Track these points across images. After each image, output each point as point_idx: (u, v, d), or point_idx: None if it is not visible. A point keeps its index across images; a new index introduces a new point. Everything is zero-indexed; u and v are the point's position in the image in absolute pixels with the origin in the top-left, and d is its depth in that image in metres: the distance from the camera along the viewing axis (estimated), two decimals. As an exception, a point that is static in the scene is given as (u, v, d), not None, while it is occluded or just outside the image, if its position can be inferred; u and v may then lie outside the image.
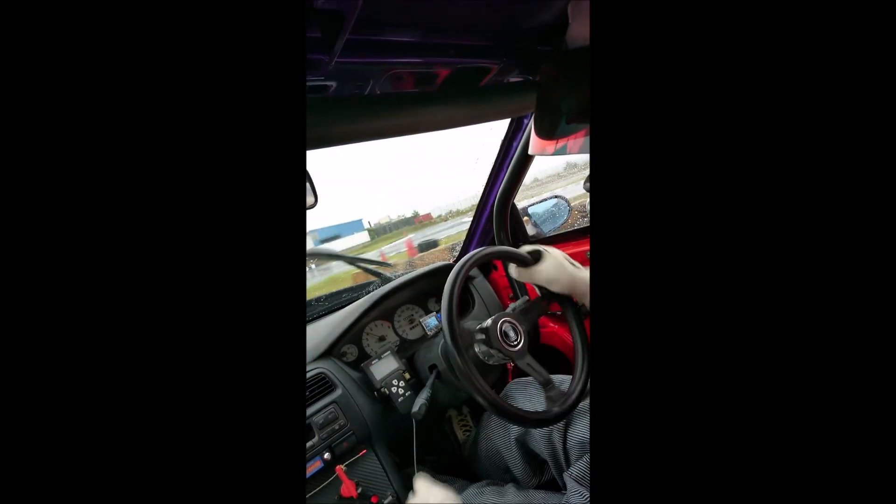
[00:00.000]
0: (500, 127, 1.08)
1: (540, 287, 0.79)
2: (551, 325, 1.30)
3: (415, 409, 0.83)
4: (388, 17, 0.48)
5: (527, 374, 0.76)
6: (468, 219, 1.35)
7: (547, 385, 0.72)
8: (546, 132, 0.52)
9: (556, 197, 1.31)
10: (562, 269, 0.73)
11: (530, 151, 0.54)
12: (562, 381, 0.91)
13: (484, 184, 1.20)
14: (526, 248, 0.76)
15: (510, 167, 1.08)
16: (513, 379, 1.03)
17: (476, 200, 1.27)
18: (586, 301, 0.75)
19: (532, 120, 0.57)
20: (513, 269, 0.76)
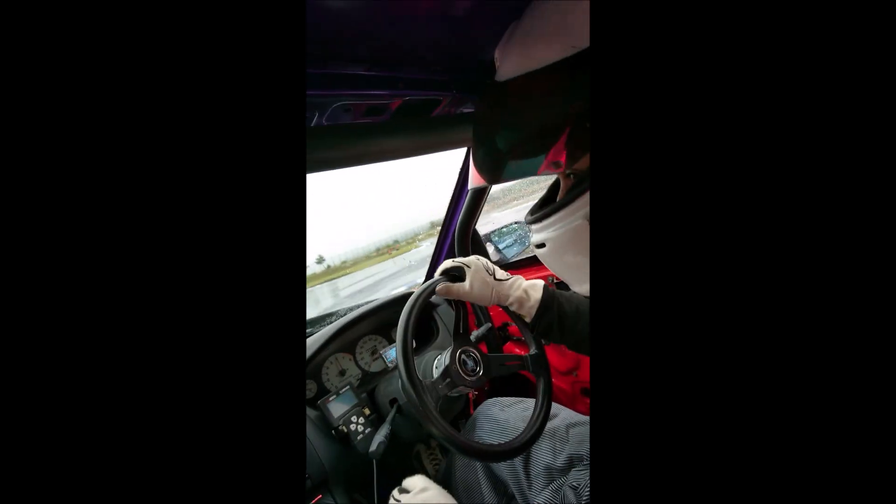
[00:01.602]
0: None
1: (507, 310, 0.77)
2: (517, 351, 1.30)
3: (372, 447, 0.79)
4: (335, 52, 0.48)
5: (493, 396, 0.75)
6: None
7: (523, 361, 0.72)
8: (482, 165, 0.52)
9: (517, 223, 1.33)
10: (485, 284, 0.71)
11: (469, 185, 0.54)
12: (519, 401, 0.90)
13: (445, 211, 1.21)
14: (446, 264, 0.73)
15: (469, 195, 1.09)
16: (474, 406, 1.01)
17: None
18: (515, 308, 0.73)
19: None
20: (440, 288, 0.71)
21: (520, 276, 0.74)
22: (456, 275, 0.72)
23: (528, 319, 0.73)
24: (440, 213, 1.24)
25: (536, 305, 0.71)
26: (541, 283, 0.73)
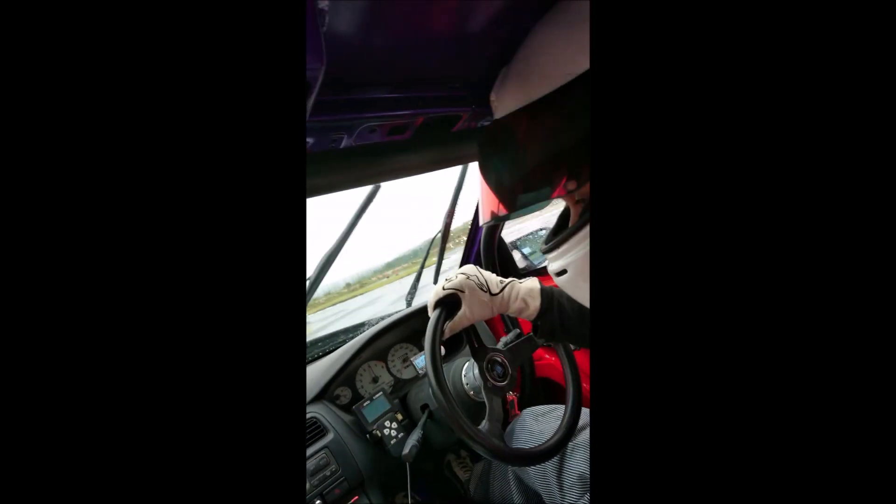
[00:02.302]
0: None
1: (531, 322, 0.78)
2: (546, 357, 1.30)
3: (405, 451, 0.82)
4: (356, 78, 0.52)
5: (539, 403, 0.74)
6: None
7: (492, 415, 0.69)
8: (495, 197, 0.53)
9: (544, 229, 1.34)
10: (482, 304, 0.69)
11: (481, 223, 0.56)
12: (554, 409, 0.90)
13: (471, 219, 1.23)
14: (437, 293, 0.70)
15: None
16: (519, 410, 1.02)
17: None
18: (517, 315, 0.72)
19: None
20: (446, 330, 0.70)
21: (514, 282, 0.72)
22: (452, 301, 0.70)
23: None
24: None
25: (536, 312, 0.70)
26: (537, 286, 0.71)
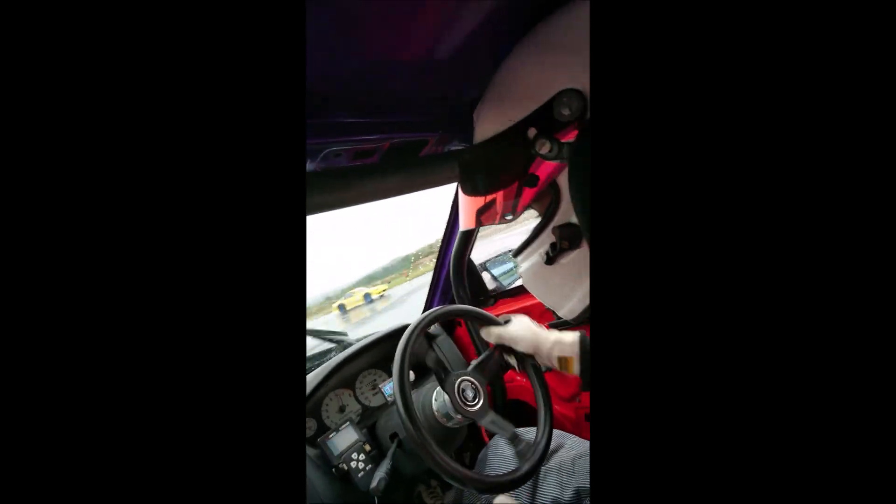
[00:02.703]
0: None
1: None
2: (518, 379, 1.29)
3: (373, 484, 0.78)
4: (321, 102, 0.51)
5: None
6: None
7: (514, 439, 0.71)
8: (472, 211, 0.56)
9: (511, 251, 1.35)
10: (528, 329, 0.74)
11: (461, 228, 0.58)
12: (527, 431, 0.89)
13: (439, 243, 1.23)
14: (500, 316, 0.77)
15: (461, 227, 1.12)
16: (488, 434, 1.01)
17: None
18: (545, 362, 0.73)
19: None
20: (483, 330, 0.77)
21: (554, 330, 0.74)
22: (496, 320, 0.76)
23: (574, 363, 0.69)
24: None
25: (576, 343, 0.68)
26: (571, 332, 0.72)
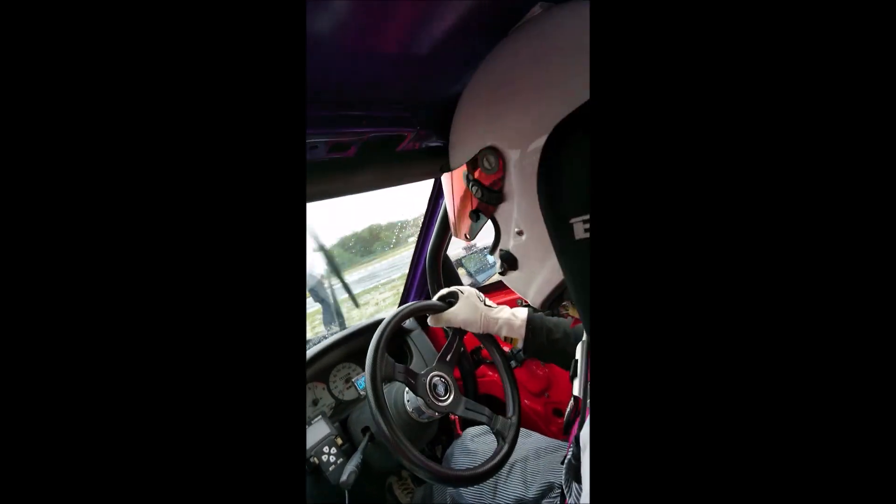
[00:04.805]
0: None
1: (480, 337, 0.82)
2: (490, 374, 1.31)
3: (343, 477, 0.78)
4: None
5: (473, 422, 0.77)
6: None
7: (491, 419, 0.74)
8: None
9: (486, 248, 1.37)
10: (475, 309, 0.77)
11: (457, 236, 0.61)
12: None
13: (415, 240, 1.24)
14: (441, 293, 0.80)
15: (438, 222, 1.12)
16: (461, 430, 1.02)
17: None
18: (505, 332, 0.79)
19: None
20: (430, 318, 0.79)
21: (505, 305, 0.81)
22: (451, 301, 0.79)
23: (519, 342, 0.78)
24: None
25: (524, 326, 0.76)
26: (524, 308, 0.80)
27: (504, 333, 0.78)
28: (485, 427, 0.91)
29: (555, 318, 0.78)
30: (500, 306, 0.80)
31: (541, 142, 0.40)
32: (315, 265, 4.36)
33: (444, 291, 0.80)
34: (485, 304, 0.78)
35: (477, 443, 0.88)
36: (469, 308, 0.76)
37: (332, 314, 4.44)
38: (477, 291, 0.80)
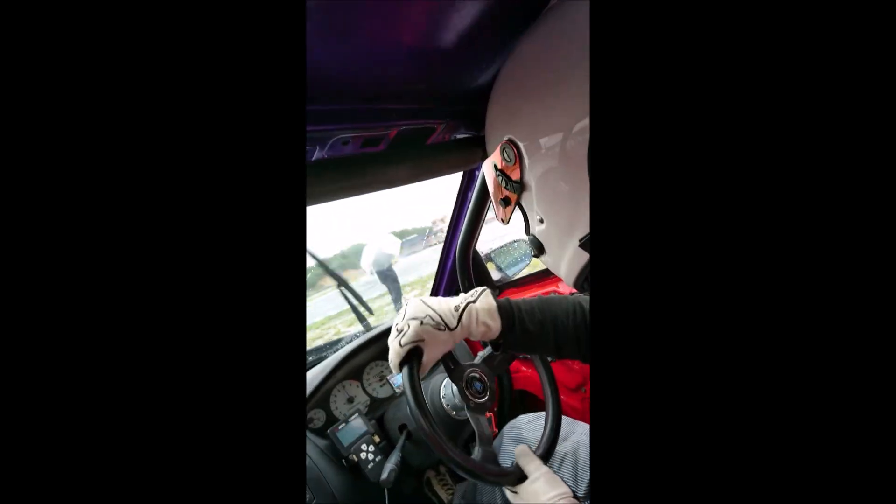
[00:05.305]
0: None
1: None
2: (524, 369, 1.29)
3: (384, 475, 0.78)
4: (327, 90, 0.50)
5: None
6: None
7: (482, 439, 0.65)
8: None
9: (516, 241, 1.35)
10: (444, 344, 0.64)
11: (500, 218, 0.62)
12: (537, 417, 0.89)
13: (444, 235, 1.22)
14: (399, 353, 0.61)
15: (467, 217, 1.11)
16: (497, 427, 0.99)
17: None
18: (482, 338, 0.66)
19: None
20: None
21: (470, 306, 0.65)
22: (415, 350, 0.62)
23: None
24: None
25: (499, 331, 0.65)
26: (494, 304, 0.65)
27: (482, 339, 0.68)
28: (535, 414, 0.89)
29: (536, 307, 0.67)
30: (466, 312, 0.64)
31: (556, 137, 0.44)
32: (388, 245, 4.75)
33: (398, 348, 0.61)
34: (449, 329, 0.63)
35: (529, 429, 0.86)
36: (437, 346, 0.63)
37: (398, 293, 4.94)
38: (432, 315, 0.62)
